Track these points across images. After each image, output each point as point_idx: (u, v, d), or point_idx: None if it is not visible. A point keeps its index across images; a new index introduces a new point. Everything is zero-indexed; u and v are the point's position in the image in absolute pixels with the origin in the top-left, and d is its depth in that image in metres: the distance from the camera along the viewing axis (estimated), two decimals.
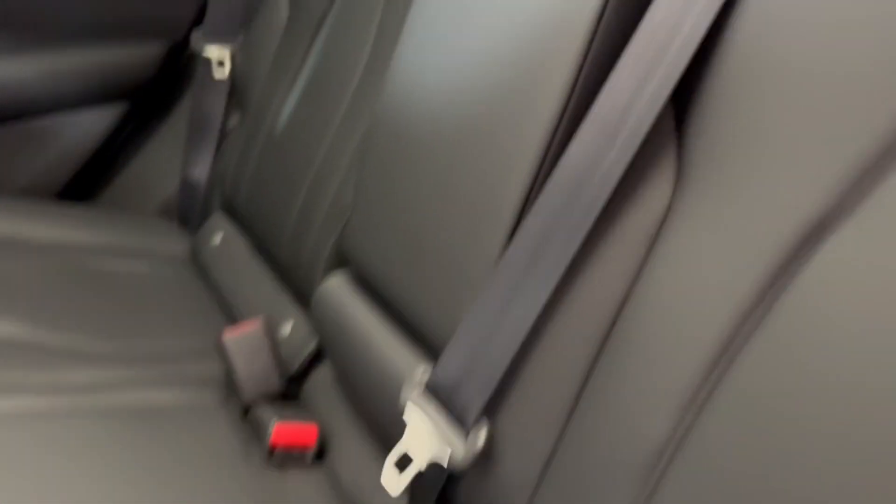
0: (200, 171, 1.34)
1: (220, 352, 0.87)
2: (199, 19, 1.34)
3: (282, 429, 0.79)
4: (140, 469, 0.73)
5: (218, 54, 1.32)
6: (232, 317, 1.06)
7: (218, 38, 1.31)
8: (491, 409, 0.57)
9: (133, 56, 1.36)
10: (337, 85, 0.98)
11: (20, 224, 1.18)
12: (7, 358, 0.87)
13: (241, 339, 0.86)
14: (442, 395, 0.59)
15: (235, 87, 1.31)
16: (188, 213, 1.36)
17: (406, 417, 0.60)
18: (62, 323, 0.96)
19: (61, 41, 1.32)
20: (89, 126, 1.37)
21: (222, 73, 1.32)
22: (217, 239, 1.22)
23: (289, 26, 1.21)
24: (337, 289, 0.81)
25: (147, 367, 0.91)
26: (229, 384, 0.87)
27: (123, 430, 0.78)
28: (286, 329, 0.95)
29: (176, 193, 1.38)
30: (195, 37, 1.33)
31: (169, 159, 1.39)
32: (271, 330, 0.89)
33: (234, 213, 1.21)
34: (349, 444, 0.82)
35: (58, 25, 1.30)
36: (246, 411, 0.85)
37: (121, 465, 0.73)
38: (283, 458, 0.79)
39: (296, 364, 0.91)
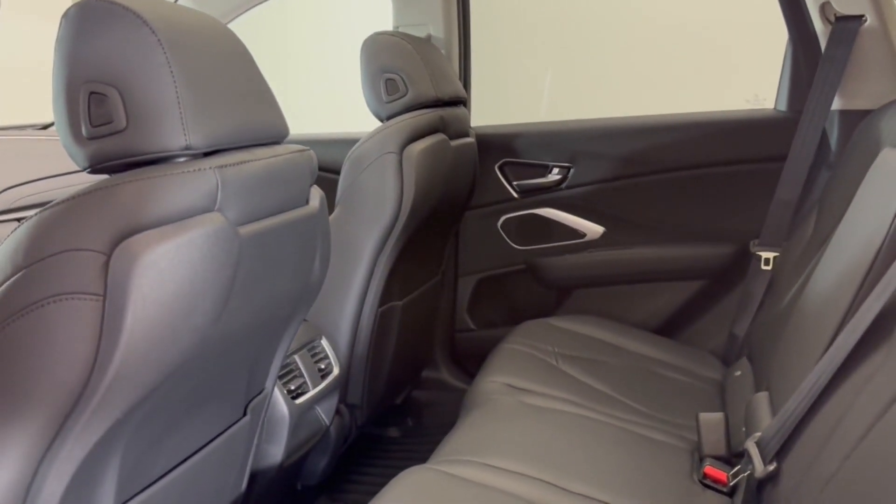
0: (740, 329, 1.82)
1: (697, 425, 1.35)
2: (757, 232, 1.85)
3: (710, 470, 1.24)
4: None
5: (766, 256, 1.80)
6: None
7: (768, 246, 1.80)
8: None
9: (711, 251, 1.96)
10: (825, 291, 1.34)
11: (620, 337, 1.85)
12: (596, 397, 1.51)
13: (708, 419, 1.33)
14: None
15: (773, 278, 1.77)
16: (727, 355, 1.85)
17: None
18: (625, 385, 1.58)
19: (667, 236, 2.00)
20: (684, 291, 2.01)
21: (767, 267, 1.79)
22: (737, 373, 1.68)
23: (809, 241, 1.63)
24: None
25: (648, 418, 1.45)
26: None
27: (619, 435, 1.34)
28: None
29: (722, 342, 1.89)
30: (753, 243, 1.84)
31: (724, 318, 1.92)
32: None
33: (750, 358, 1.66)
34: None
35: (666, 227, 1.99)
36: (701, 458, 1.31)
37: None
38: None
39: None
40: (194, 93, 0.80)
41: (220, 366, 0.96)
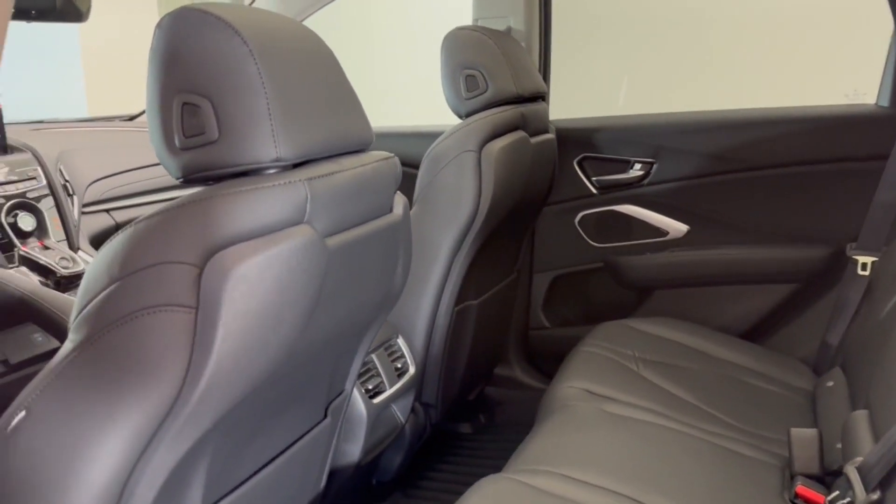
0: (834, 337, 1.74)
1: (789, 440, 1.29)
2: (854, 235, 1.76)
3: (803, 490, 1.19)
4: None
5: (864, 260, 1.71)
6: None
7: (866, 250, 1.71)
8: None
9: (803, 254, 1.87)
10: None
11: (704, 342, 1.79)
12: (679, 405, 1.47)
13: (800, 435, 1.27)
14: None
15: (870, 284, 1.68)
16: (819, 364, 1.77)
17: None
18: (710, 393, 1.53)
19: (756, 237, 1.92)
20: (773, 295, 1.93)
21: (864, 273, 1.70)
22: (829, 383, 1.61)
23: None
24: None
25: (735, 430, 1.40)
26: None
27: (704, 448, 1.29)
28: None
29: (813, 350, 1.81)
30: (850, 247, 1.75)
31: (816, 324, 1.83)
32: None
33: (845, 369, 1.58)
34: None
35: (755, 227, 1.92)
36: (792, 476, 1.26)
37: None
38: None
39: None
40: (284, 104, 0.80)
41: (305, 372, 0.97)
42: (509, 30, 2.03)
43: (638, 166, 2.04)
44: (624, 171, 2.06)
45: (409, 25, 3.01)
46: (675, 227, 2.03)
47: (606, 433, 1.35)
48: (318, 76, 0.88)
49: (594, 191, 2.10)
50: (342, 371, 1.15)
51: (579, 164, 2.10)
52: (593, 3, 2.50)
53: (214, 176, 0.80)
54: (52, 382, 0.75)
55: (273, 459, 1.01)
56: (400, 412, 1.53)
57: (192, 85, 0.78)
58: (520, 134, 1.69)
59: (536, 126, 1.81)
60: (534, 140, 1.76)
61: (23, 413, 0.75)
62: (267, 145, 0.78)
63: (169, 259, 0.72)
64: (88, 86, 3.97)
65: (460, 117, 1.70)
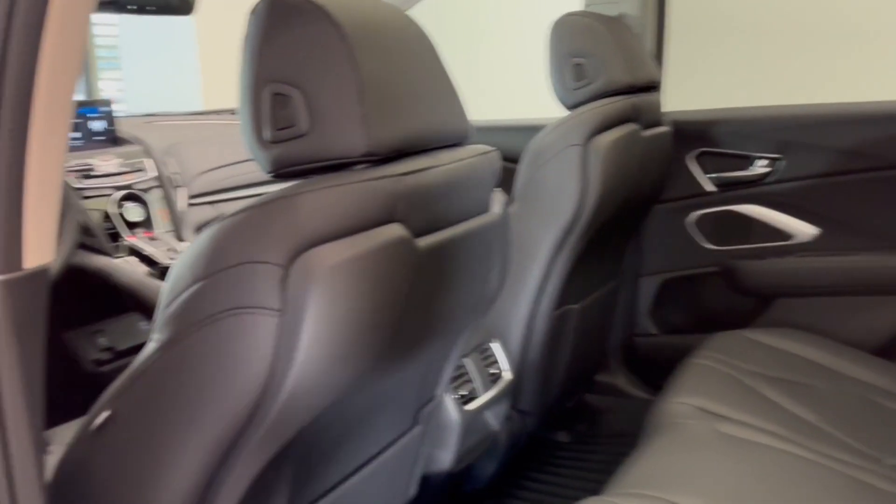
0: None
1: None
2: None
3: None
4: None
5: None
6: None
7: None
8: None
9: None
10: None
11: (832, 357, 1.63)
12: (804, 429, 1.34)
13: None
14: None
15: None
16: None
17: None
18: (839, 416, 1.38)
19: (894, 243, 1.75)
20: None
21: None
22: None
23: None
24: None
25: (868, 460, 1.27)
26: None
27: (833, 479, 1.17)
28: None
29: None
30: None
31: None
32: None
33: None
34: None
35: (891, 233, 1.76)
36: None
37: None
38: None
39: None
40: (378, 96, 0.75)
41: (393, 379, 0.92)
42: (622, 16, 1.92)
43: (762, 162, 1.89)
44: (745, 167, 1.91)
45: (518, 13, 2.93)
46: (803, 230, 1.87)
47: (721, 456, 1.24)
48: (415, 67, 0.83)
49: (711, 189, 1.96)
50: (433, 377, 1.09)
51: (695, 159, 1.97)
52: None
53: (304, 170, 0.76)
54: (135, 383, 0.73)
55: (361, 467, 0.98)
56: (494, 419, 1.47)
57: (283, 74, 0.74)
58: (631, 127, 1.59)
59: (649, 118, 1.70)
60: (646, 133, 1.66)
61: (107, 413, 0.74)
62: (358, 138, 0.73)
63: (253, 259, 0.69)
64: (205, 79, 4.11)
65: (567, 109, 1.61)
